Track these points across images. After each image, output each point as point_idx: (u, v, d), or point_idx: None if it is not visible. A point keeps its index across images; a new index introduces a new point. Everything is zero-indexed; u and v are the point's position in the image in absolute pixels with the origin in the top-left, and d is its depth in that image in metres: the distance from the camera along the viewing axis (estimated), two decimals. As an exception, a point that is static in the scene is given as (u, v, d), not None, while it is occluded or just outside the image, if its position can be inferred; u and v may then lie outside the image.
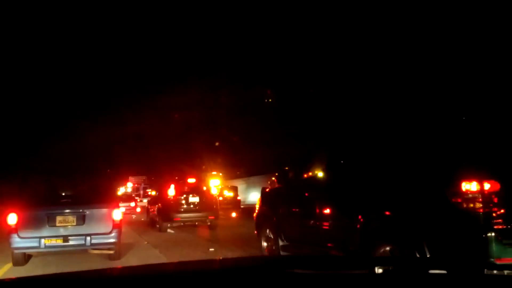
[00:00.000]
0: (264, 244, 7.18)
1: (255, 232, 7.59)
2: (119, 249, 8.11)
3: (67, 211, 7.65)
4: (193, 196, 13.52)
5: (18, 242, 7.36)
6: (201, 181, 14.82)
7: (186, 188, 13.79)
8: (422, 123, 5.03)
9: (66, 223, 7.60)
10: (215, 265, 1.84)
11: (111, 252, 7.96)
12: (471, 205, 3.96)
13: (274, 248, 6.86)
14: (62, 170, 9.90)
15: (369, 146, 5.39)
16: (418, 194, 4.44)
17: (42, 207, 7.65)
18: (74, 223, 7.59)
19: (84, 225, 7.60)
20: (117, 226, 7.75)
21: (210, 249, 9.16)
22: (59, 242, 7.48)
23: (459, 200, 4.02)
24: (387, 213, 4.70)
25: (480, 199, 3.93)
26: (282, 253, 6.68)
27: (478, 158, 4.20)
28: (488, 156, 4.23)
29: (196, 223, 13.68)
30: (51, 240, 7.47)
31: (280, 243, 6.70)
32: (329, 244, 5.58)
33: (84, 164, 12.14)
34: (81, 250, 7.92)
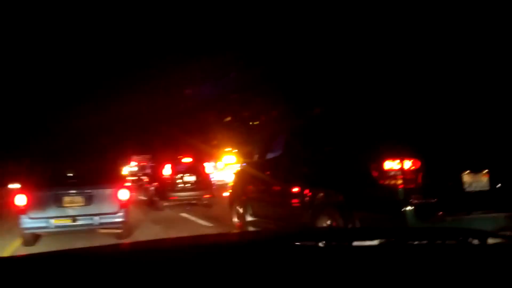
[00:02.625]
0: (235, 219, 7.58)
1: (229, 208, 7.99)
2: (127, 228, 8.21)
3: (74, 191, 7.77)
4: (189, 175, 13.99)
5: (28, 222, 7.48)
6: (198, 160, 15.24)
7: (182, 167, 14.25)
8: (352, 106, 5.27)
9: (73, 203, 7.72)
10: (222, 240, 1.81)
11: (119, 231, 8.03)
12: (393, 181, 4.24)
13: (242, 223, 7.25)
14: (68, 151, 9.99)
15: (315, 131, 5.66)
16: (351, 172, 4.73)
17: (50, 188, 7.73)
18: (82, 203, 7.70)
19: (91, 205, 7.70)
20: (124, 205, 7.87)
21: (208, 225, 9.58)
22: (68, 222, 7.60)
23: (383, 177, 4.30)
24: (328, 190, 5.02)
25: (401, 176, 4.20)
26: (249, 227, 7.06)
27: (401, 137, 4.44)
28: (410, 135, 4.47)
29: (193, 201, 14.16)
30: (60, 220, 7.58)
31: (248, 218, 7.08)
32: (286, 218, 5.93)
33: (90, 145, 12.25)
34: (90, 230, 8.00)
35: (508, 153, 4.71)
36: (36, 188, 7.72)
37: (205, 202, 13.84)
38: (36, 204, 7.56)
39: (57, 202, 7.61)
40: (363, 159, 4.52)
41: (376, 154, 4.36)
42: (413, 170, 4.21)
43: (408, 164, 4.22)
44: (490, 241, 1.52)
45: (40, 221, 7.47)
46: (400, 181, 4.20)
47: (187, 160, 14.80)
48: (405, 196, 4.18)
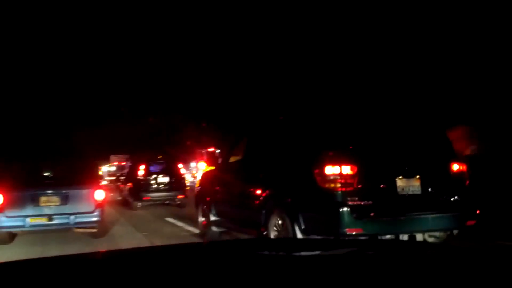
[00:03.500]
0: (200, 218, 7.94)
1: (195, 208, 8.35)
2: (102, 227, 8.41)
3: (51, 191, 7.90)
4: (163, 176, 14.29)
5: (4, 221, 7.58)
6: (172, 161, 15.56)
7: (156, 168, 14.54)
8: (301, 116, 5.69)
9: (50, 203, 7.85)
10: (189, 250, 1.80)
11: (94, 230, 8.21)
12: (332, 185, 4.67)
13: (207, 222, 7.61)
14: (44, 151, 10.05)
15: (270, 138, 6.08)
16: (298, 176, 5.16)
17: (27, 188, 7.85)
18: (58, 203, 7.84)
19: (67, 204, 7.85)
20: (99, 205, 8.05)
21: (180, 224, 9.90)
22: (44, 221, 7.73)
23: (324, 181, 4.73)
24: (277, 192, 5.43)
25: (338, 180, 4.64)
26: (213, 227, 7.43)
27: (341, 145, 4.89)
28: (348, 144, 4.92)
29: (166, 202, 14.46)
30: (36, 219, 7.72)
31: (212, 217, 7.45)
32: (244, 219, 6.32)
33: (67, 145, 12.29)
34: (65, 229, 8.19)
35: (437, 161, 5.21)
36: (12, 188, 7.83)
37: (178, 202, 14.16)
38: (13, 203, 7.69)
39: (34, 201, 7.78)
40: (308, 164, 4.95)
41: (318, 160, 4.79)
42: (350, 175, 4.65)
43: (345, 169, 4.65)
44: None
45: (16, 219, 7.61)
46: (338, 185, 4.63)
47: (161, 161, 15.10)
48: (342, 198, 4.61)
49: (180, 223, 10.10)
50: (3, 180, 8.08)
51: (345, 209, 4.56)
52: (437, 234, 5.11)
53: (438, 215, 4.99)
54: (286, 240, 2.31)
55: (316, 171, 4.77)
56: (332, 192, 4.65)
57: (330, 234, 4.76)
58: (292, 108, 6.12)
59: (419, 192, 4.93)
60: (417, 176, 4.95)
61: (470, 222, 5.09)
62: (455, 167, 5.21)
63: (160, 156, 15.75)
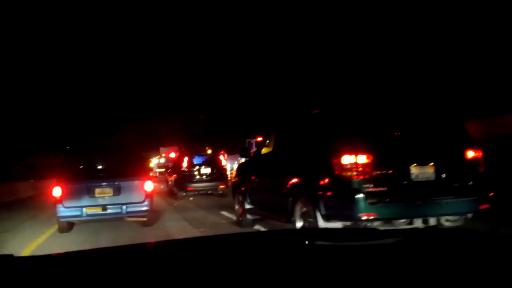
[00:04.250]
0: (237, 207, 8.55)
1: (233, 197, 8.97)
2: (152, 216, 9.06)
3: (105, 183, 8.61)
4: (205, 167, 15.09)
5: (63, 211, 8.29)
6: (214, 153, 16.33)
7: (199, 160, 15.38)
8: (321, 111, 6.09)
9: (104, 194, 8.53)
10: (238, 239, 1.83)
11: (144, 219, 8.85)
12: (349, 173, 5.11)
13: (242, 210, 8.21)
14: (99, 146, 10.55)
15: (296, 131, 6.55)
16: (318, 166, 5.61)
17: (83, 181, 8.56)
18: (111, 194, 8.51)
19: (120, 195, 8.49)
20: (148, 196, 8.70)
21: (221, 213, 10.61)
22: (99, 210, 8.41)
23: (342, 170, 5.17)
24: (301, 180, 5.92)
25: (354, 169, 5.06)
26: (248, 215, 8.01)
27: (357, 136, 5.29)
28: (365, 134, 5.31)
29: (209, 192, 15.27)
30: (91, 209, 8.39)
31: (246, 206, 8.04)
32: (274, 206, 6.85)
33: (119, 140, 13.10)
34: (118, 218, 8.87)
35: (452, 148, 5.49)
36: (70, 181, 8.54)
37: (220, 192, 14.93)
38: (70, 195, 8.38)
39: (89, 193, 8.46)
40: (327, 155, 5.39)
41: (336, 150, 5.23)
42: (365, 164, 5.05)
43: (361, 158, 5.06)
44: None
45: (74, 209, 8.32)
46: (354, 173, 5.05)
47: (203, 153, 15.91)
48: (358, 185, 5.03)
49: (221, 212, 10.80)
50: (61, 174, 8.81)
51: (360, 195, 4.98)
52: (451, 218, 5.42)
53: (452, 200, 5.29)
54: (329, 230, 2.33)
55: (334, 160, 5.20)
56: (348, 180, 5.08)
57: (348, 219, 5.21)
58: (312, 104, 6.53)
59: (433, 178, 5.25)
60: (431, 163, 5.27)
61: (484, 206, 5.35)
62: (470, 153, 5.47)
63: (204, 149, 16.55)
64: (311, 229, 4.50)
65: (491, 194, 5.35)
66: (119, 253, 1.49)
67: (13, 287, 1.10)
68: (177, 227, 9.05)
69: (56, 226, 8.85)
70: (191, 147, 18.69)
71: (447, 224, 5.51)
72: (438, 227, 5.47)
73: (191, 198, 14.89)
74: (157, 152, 35.94)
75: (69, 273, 1.23)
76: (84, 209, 8.37)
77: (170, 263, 1.32)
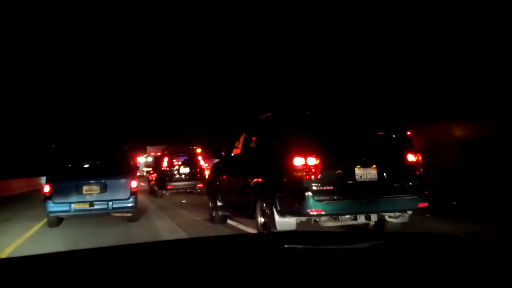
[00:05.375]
0: (210, 204, 9.13)
1: (207, 195, 9.55)
2: (136, 212, 9.62)
3: (92, 181, 9.19)
4: (184, 167, 15.68)
5: (53, 206, 8.85)
6: (193, 154, 16.94)
7: (179, 160, 15.96)
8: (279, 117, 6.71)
9: (91, 191, 9.08)
10: (216, 242, 1.85)
11: (129, 214, 9.43)
12: (299, 174, 5.72)
13: (214, 207, 8.80)
14: (86, 145, 10.83)
15: (259, 135, 7.17)
16: (276, 167, 6.23)
17: (71, 179, 9.13)
18: (98, 191, 9.08)
19: (106, 192, 9.06)
20: (134, 193, 9.33)
21: (198, 210, 11.13)
22: (86, 206, 8.99)
23: (294, 170, 5.78)
24: (261, 180, 6.52)
25: (304, 170, 5.68)
26: (219, 211, 8.59)
27: (306, 140, 5.91)
28: (313, 139, 5.93)
29: (188, 190, 15.85)
30: (79, 205, 8.96)
31: (218, 203, 8.62)
32: (242, 204, 7.45)
33: (105, 139, 13.40)
34: (105, 214, 9.48)
35: (393, 152, 6.16)
36: (59, 179, 9.13)
37: (198, 190, 15.52)
38: (59, 192, 8.95)
39: (77, 190, 9.03)
40: (280, 157, 6.01)
41: (287, 153, 5.84)
42: (314, 165, 5.67)
43: (310, 160, 5.69)
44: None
45: (63, 205, 8.89)
46: (304, 173, 5.68)
47: (182, 154, 16.49)
48: (307, 184, 5.65)
49: (198, 209, 11.36)
50: (51, 172, 9.44)
51: (308, 193, 5.60)
52: (392, 214, 6.06)
53: (393, 198, 5.94)
54: (312, 233, 2.28)
55: (286, 162, 5.82)
56: (299, 180, 5.69)
57: (299, 215, 5.83)
58: (275, 107, 7.13)
59: (375, 179, 5.89)
60: (374, 165, 5.91)
61: (422, 204, 6.01)
62: (410, 157, 6.13)
63: (183, 149, 17.12)
64: (289, 233, 4.54)
65: (426, 192, 6.01)
66: (99, 254, 1.50)
67: None
68: (158, 222, 9.64)
69: (45, 220, 9.42)
70: (177, 147, 19.22)
71: (389, 220, 6.16)
72: (384, 222, 6.13)
73: (168, 195, 15.48)
74: (144, 151, 36.19)
75: (52, 275, 1.23)
76: (73, 205, 8.94)
77: (151, 264, 1.33)
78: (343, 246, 1.62)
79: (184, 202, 13.61)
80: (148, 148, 35.87)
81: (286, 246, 1.64)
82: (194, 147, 17.96)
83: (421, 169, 6.19)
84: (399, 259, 1.35)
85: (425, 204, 6.04)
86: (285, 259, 1.39)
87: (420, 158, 6.21)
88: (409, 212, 6.13)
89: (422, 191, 6.05)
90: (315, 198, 5.60)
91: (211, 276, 1.20)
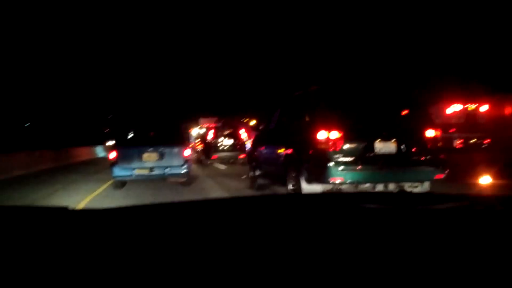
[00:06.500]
0: (250, 173, 10.02)
1: (248, 165, 10.45)
2: (189, 178, 10.74)
3: (151, 149, 10.17)
4: (228, 139, 16.73)
5: (117, 171, 9.98)
6: (236, 127, 17.90)
7: (223, 132, 17.02)
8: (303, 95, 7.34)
9: (150, 158, 10.16)
10: (296, 200, 1.85)
11: (184, 179, 10.55)
12: (323, 146, 6.41)
13: (253, 175, 9.68)
14: (143, 116, 12.05)
15: (291, 110, 7.86)
16: (303, 139, 6.93)
17: (133, 147, 10.22)
18: (156, 158, 10.17)
19: (163, 159, 10.16)
20: (187, 161, 10.45)
21: (242, 177, 12.02)
22: (146, 172, 10.07)
23: (319, 143, 6.47)
24: (291, 151, 7.27)
25: (328, 143, 6.36)
26: (258, 180, 9.46)
27: (330, 115, 6.55)
28: (336, 114, 6.56)
29: (231, 161, 16.92)
30: (140, 170, 10.05)
31: (257, 172, 9.49)
32: (276, 173, 8.25)
33: (163, 112, 14.37)
34: (162, 178, 10.52)
35: (413, 127, 6.67)
36: (123, 146, 10.30)
37: (241, 161, 16.54)
38: (123, 158, 10.10)
39: (139, 157, 10.16)
40: (307, 131, 6.71)
41: (314, 127, 6.53)
42: (336, 139, 6.34)
43: (333, 134, 6.35)
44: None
45: (126, 170, 10.05)
46: (327, 146, 6.36)
47: (227, 126, 17.52)
48: (330, 156, 6.33)
49: (239, 178, 12.35)
50: (116, 140, 10.62)
51: (331, 164, 6.30)
52: (410, 184, 6.63)
53: (410, 169, 6.51)
54: (393, 194, 2.27)
55: (312, 136, 6.52)
56: (323, 152, 6.39)
57: (323, 182, 6.54)
58: (303, 86, 7.71)
59: (394, 152, 6.48)
60: (393, 139, 6.49)
61: (438, 176, 6.53)
62: (428, 132, 6.64)
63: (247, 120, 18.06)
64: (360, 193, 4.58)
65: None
66: (161, 209, 1.57)
67: (67, 240, 1.14)
68: (207, 187, 10.72)
69: (110, 183, 10.74)
70: (230, 119, 20.11)
71: (408, 190, 6.73)
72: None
73: (213, 164, 16.62)
74: (197, 122, 36.87)
75: (117, 226, 1.29)
76: (134, 170, 10.07)
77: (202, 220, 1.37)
78: (427, 206, 1.59)
79: (227, 171, 14.66)
80: (201, 119, 36.73)
81: (363, 206, 1.60)
82: (246, 120, 18.86)
83: (439, 144, 6.69)
84: (485, 222, 1.32)
85: (441, 176, 6.54)
86: (365, 220, 1.34)
87: (439, 133, 6.69)
88: (427, 183, 6.67)
89: (438, 163, 6.56)
90: (337, 167, 6.28)
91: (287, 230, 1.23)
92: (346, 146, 6.38)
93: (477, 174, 9.30)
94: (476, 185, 8.97)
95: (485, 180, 9.16)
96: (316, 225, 1.28)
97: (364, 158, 6.42)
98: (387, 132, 6.53)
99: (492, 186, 8.91)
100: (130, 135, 10.82)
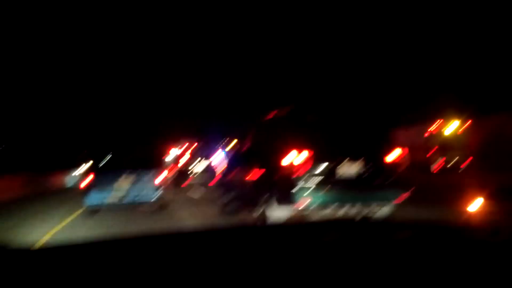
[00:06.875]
0: (223, 197, 10.01)
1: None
2: (162, 205, 10.62)
3: (123, 175, 10.18)
4: (201, 162, 16.86)
5: (89, 199, 9.97)
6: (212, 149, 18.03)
7: (197, 155, 17.14)
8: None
9: (123, 185, 10.15)
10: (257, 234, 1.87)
11: (155, 207, 10.42)
12: (291, 170, 6.54)
13: (226, 199, 9.68)
14: (117, 141, 11.75)
15: (263, 133, 7.99)
16: (272, 162, 7.03)
17: (105, 174, 10.19)
18: (129, 185, 10.18)
19: (136, 185, 10.19)
20: (160, 187, 10.47)
21: (215, 202, 11.70)
22: (118, 199, 10.05)
23: (285, 168, 6.60)
24: (262, 173, 7.37)
25: (295, 165, 6.49)
26: (230, 203, 9.43)
27: (297, 140, 6.69)
28: (302, 139, 6.71)
29: (204, 185, 16.94)
30: (112, 197, 10.02)
31: (229, 196, 9.48)
32: (247, 196, 8.27)
33: (135, 135, 14.24)
34: (133, 205, 10.34)
35: (376, 150, 6.87)
36: (95, 173, 10.22)
37: (214, 185, 16.60)
38: (95, 186, 10.05)
39: (110, 184, 10.10)
40: (277, 153, 6.82)
41: (282, 150, 6.67)
42: (303, 162, 6.48)
43: (300, 157, 6.49)
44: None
45: (98, 198, 10.00)
46: (295, 169, 6.49)
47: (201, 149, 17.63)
48: (297, 179, 6.46)
49: (211, 202, 12.27)
50: (89, 169, 10.48)
51: (297, 186, 6.43)
52: (376, 206, 6.78)
53: (375, 191, 6.69)
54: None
55: (280, 159, 6.65)
56: (290, 174, 6.52)
57: (291, 204, 6.59)
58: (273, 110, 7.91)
59: (359, 174, 6.65)
60: (358, 162, 6.67)
61: (402, 197, 6.72)
62: (391, 155, 6.85)
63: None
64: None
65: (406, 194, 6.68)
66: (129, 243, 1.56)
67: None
68: (179, 214, 10.47)
69: (81, 211, 10.53)
70: (210, 139, 19.95)
71: (374, 211, 6.88)
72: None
73: (186, 188, 16.55)
74: (173, 146, 36.87)
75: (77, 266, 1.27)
76: (106, 198, 10.04)
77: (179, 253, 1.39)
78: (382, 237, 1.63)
79: (199, 195, 14.61)
80: (181, 140, 36.62)
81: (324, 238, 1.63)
82: (227, 141, 18.78)
83: (403, 165, 6.90)
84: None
85: (404, 197, 6.73)
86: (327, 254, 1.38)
87: (401, 156, 6.91)
88: (390, 204, 6.82)
89: (400, 186, 6.75)
90: (304, 190, 6.41)
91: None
92: (313, 169, 6.52)
93: (467, 198, 8.95)
94: (465, 211, 8.73)
95: (476, 205, 8.81)
96: (276, 260, 1.31)
97: (330, 180, 6.57)
98: (352, 155, 6.71)
99: (482, 211, 8.62)
100: (102, 163, 10.73)
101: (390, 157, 6.85)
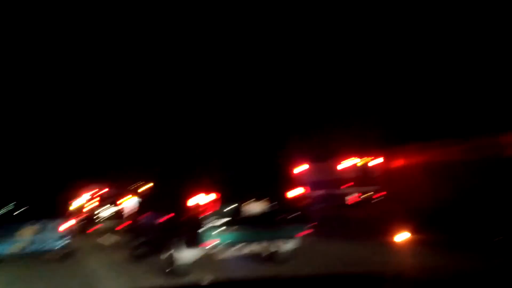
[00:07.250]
0: (132, 242, 9.72)
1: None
2: (67, 253, 10.13)
3: (25, 225, 9.79)
4: (108, 208, 16.32)
5: None
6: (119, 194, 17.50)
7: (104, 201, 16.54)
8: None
9: (24, 234, 9.75)
10: None
11: (62, 254, 9.97)
12: (196, 211, 6.68)
13: (135, 244, 9.43)
14: (17, 189, 11.02)
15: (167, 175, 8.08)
16: (181, 204, 7.11)
17: (5, 223, 9.79)
18: (31, 234, 9.79)
19: (39, 235, 9.82)
20: (65, 234, 10.07)
21: (123, 248, 11.10)
22: (19, 249, 9.63)
23: (191, 209, 6.72)
24: (170, 217, 7.39)
25: (200, 208, 6.64)
26: (140, 248, 9.18)
27: (201, 182, 6.89)
28: (207, 181, 6.93)
29: (111, 231, 16.31)
30: (12, 248, 9.57)
31: (139, 240, 9.22)
32: (157, 239, 8.14)
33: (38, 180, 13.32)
34: (40, 253, 9.86)
35: (279, 189, 7.28)
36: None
37: (123, 230, 16.05)
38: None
39: (11, 234, 9.58)
40: (184, 197, 6.94)
41: (189, 192, 6.81)
42: (210, 202, 6.66)
43: (206, 198, 6.67)
44: None
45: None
46: (201, 210, 6.64)
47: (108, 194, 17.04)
48: (203, 220, 6.60)
49: (119, 248, 11.80)
50: None
51: (205, 227, 6.56)
52: (282, 241, 7.11)
53: (281, 227, 7.03)
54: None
55: (188, 200, 6.77)
56: (197, 216, 6.65)
57: (200, 245, 6.68)
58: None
59: (266, 211, 6.97)
60: (264, 200, 7.01)
61: (306, 231, 7.14)
62: (296, 191, 7.29)
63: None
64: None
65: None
66: None
67: None
68: (86, 262, 10.11)
69: None
70: (123, 183, 19.30)
71: (281, 246, 7.20)
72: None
73: (93, 234, 15.79)
74: (83, 192, 35.03)
75: None
76: (7, 248, 9.49)
77: None
78: None
79: (109, 241, 13.98)
80: (90, 186, 34.97)
81: None
82: (139, 184, 18.13)
83: (306, 201, 7.37)
84: None
85: (309, 231, 7.16)
86: None
87: (302, 192, 7.39)
88: (295, 239, 7.20)
89: (306, 219, 7.19)
90: (211, 230, 6.55)
91: None
92: (220, 209, 6.72)
93: (394, 230, 8.82)
94: (392, 243, 8.60)
95: (402, 236, 8.63)
96: None
97: (237, 219, 6.79)
98: (257, 196, 7.02)
99: (409, 242, 8.49)
100: (2, 211, 10.24)
101: (291, 195, 7.28)
